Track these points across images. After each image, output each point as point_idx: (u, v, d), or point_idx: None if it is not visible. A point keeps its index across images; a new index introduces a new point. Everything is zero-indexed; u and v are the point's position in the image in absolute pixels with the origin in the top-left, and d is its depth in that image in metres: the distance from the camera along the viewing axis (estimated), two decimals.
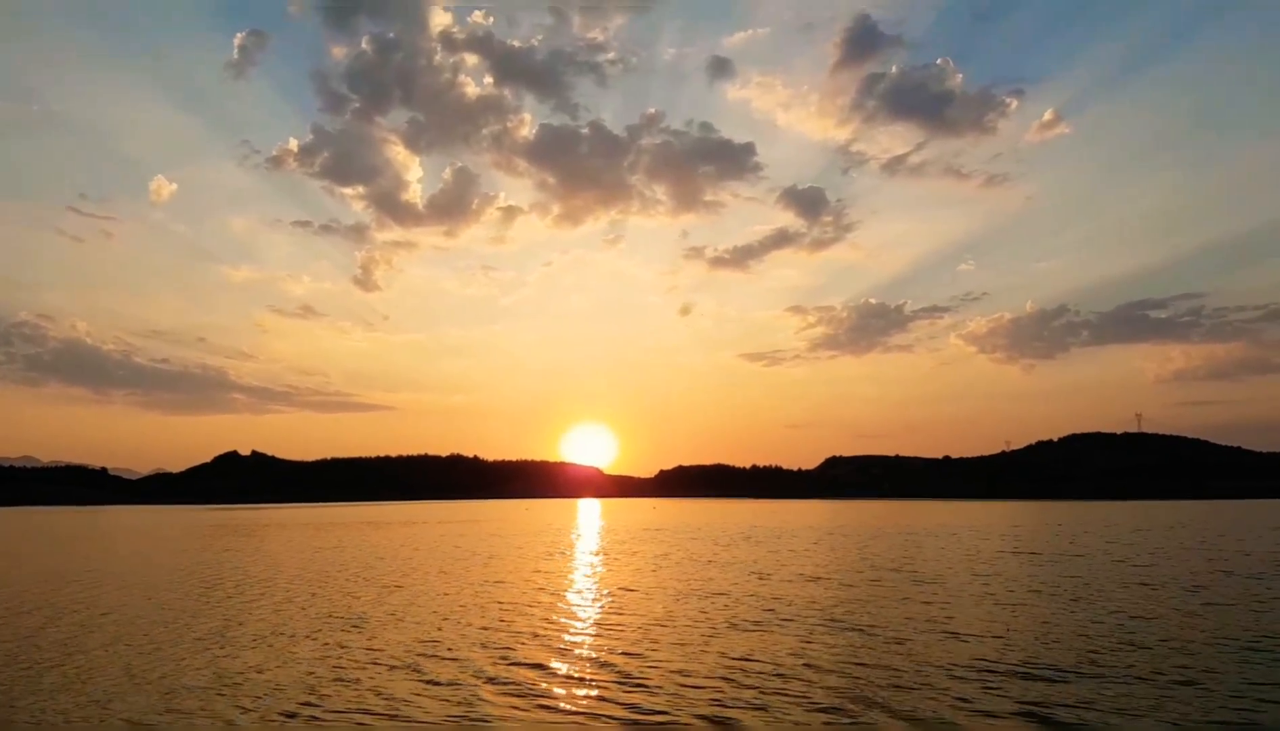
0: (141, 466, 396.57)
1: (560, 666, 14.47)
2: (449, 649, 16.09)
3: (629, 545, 47.99)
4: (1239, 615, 19.16)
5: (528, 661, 14.87)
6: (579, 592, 25.20)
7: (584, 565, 35.15)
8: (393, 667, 14.41)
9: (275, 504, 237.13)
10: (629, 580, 28.70)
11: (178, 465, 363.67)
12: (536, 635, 17.63)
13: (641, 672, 13.89)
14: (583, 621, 19.56)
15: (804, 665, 14.23)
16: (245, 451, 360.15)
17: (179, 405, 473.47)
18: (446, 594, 24.87)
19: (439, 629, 18.45)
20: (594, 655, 15.47)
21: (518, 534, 61.98)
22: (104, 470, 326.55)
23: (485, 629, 18.42)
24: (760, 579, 28.12)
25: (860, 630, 17.61)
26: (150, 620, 19.94)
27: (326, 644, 16.63)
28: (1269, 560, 32.73)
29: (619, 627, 18.59)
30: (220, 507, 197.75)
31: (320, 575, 30.77)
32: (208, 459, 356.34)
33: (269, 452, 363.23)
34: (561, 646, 16.34)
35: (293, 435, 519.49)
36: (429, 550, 44.49)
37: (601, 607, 21.89)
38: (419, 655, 15.47)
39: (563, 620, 19.68)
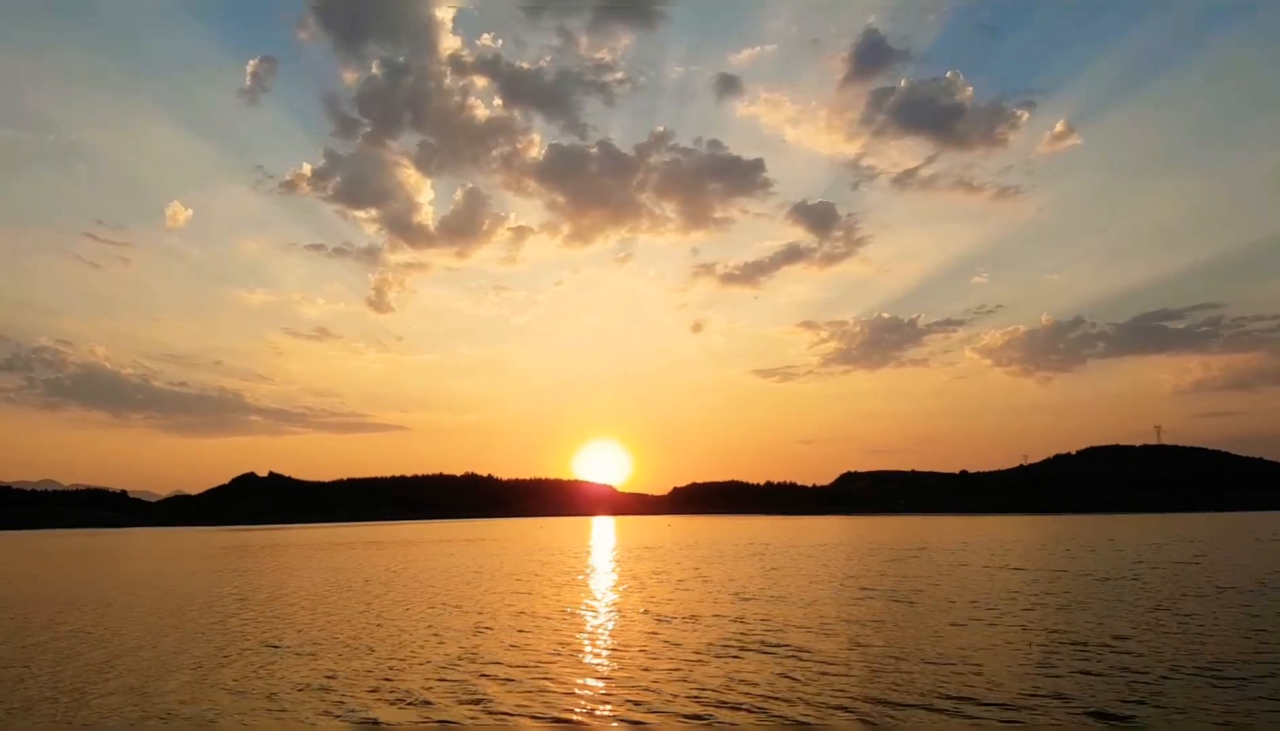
0: (160, 488, 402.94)
1: (484, 693, 13.97)
2: (386, 678, 15.65)
3: (624, 565, 47.43)
4: (1225, 637, 18.33)
5: (455, 694, 14.41)
6: (543, 615, 24.58)
7: (564, 585, 34.54)
8: (292, 693, 13.99)
9: (292, 524, 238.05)
10: (604, 600, 28.18)
11: (196, 487, 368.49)
12: (470, 658, 17.13)
13: (558, 701, 13.40)
14: (529, 645, 19.00)
15: (740, 692, 13.68)
16: (263, 472, 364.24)
17: (197, 427, 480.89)
18: (410, 617, 24.47)
19: (387, 655, 18.03)
20: (520, 681, 14.95)
21: (515, 553, 61.51)
22: (123, 493, 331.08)
23: (428, 653, 17.98)
24: (738, 599, 27.48)
25: (809, 654, 16.98)
26: (100, 643, 19.66)
27: (254, 669, 16.25)
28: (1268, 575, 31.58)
29: (567, 651, 18.07)
30: (236, 529, 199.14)
31: (297, 596, 30.48)
32: (226, 480, 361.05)
33: (286, 474, 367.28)
34: (497, 674, 15.82)
35: (309, 456, 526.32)
36: (418, 571, 44.16)
37: (560, 630, 21.33)
38: (350, 684, 15.05)
39: (511, 645, 19.13)
